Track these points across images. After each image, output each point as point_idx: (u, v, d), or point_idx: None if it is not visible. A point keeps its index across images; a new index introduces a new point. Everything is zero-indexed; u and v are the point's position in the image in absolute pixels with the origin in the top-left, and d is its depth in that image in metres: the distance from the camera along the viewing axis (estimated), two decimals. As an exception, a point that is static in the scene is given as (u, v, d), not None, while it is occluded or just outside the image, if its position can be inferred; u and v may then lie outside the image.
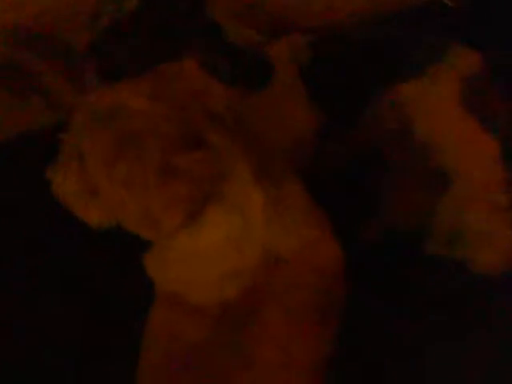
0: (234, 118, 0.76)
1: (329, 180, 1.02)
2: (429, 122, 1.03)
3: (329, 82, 1.01)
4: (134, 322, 0.89)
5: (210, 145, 0.73)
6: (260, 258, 0.81)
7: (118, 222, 0.76)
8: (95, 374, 1.00)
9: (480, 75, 1.03)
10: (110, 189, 0.73)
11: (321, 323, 0.81)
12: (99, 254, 1.06)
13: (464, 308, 1.02)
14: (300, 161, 0.93)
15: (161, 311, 0.87)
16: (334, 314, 0.82)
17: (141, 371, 0.86)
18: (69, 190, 0.76)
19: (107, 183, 0.73)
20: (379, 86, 1.04)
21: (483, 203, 1.03)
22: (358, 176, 1.07)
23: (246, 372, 0.79)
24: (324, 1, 1.04)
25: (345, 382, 0.91)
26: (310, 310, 0.81)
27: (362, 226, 1.07)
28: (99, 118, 0.73)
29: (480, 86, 1.03)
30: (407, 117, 1.05)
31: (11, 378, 1.00)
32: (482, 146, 1.03)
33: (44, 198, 0.79)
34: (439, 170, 1.04)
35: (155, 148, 0.70)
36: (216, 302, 0.83)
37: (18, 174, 1.11)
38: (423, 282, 1.05)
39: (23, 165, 1.10)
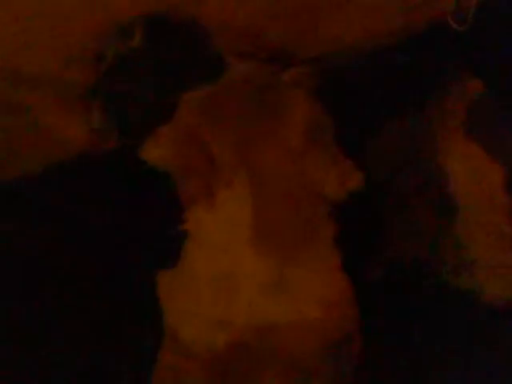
0: None
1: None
2: (435, 152, 1.03)
3: (334, 111, 1.01)
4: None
5: None
6: (249, 319, 0.80)
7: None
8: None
9: (485, 102, 1.03)
10: None
11: None
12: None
13: (471, 339, 1.02)
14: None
15: (165, 351, 0.87)
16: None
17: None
18: None
19: None
20: (386, 115, 1.04)
21: (490, 233, 1.03)
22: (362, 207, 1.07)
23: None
24: (328, 30, 1.04)
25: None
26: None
27: (368, 265, 1.07)
28: None
29: (485, 113, 1.03)
30: (414, 146, 1.05)
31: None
32: (489, 174, 1.03)
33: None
34: (446, 199, 1.04)
35: None
36: (206, 349, 0.82)
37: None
38: (430, 312, 1.04)
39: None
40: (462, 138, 1.03)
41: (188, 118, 0.88)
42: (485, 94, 1.04)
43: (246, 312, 0.81)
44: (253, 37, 1.03)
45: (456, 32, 0.97)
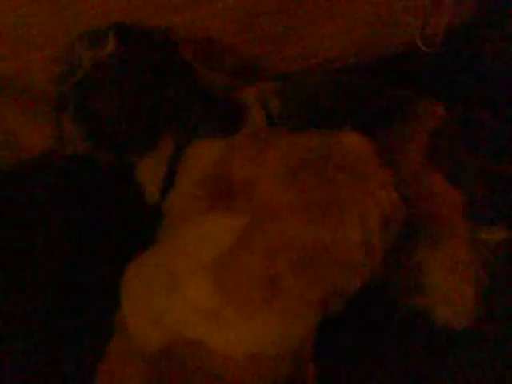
0: None
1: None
2: (396, 175, 1.03)
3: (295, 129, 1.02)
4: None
5: None
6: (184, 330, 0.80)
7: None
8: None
9: (446, 128, 1.03)
10: None
11: None
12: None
13: (424, 359, 1.02)
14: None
15: (114, 347, 0.87)
16: None
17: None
18: None
19: None
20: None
21: (446, 260, 1.03)
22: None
23: None
24: (298, 48, 1.05)
25: None
26: None
27: None
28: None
29: (446, 139, 1.03)
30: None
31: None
32: (449, 200, 1.02)
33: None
34: (408, 223, 1.03)
35: None
36: (143, 345, 0.81)
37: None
38: (386, 329, 1.04)
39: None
40: (423, 163, 1.02)
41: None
42: (447, 120, 1.04)
43: (181, 321, 0.80)
44: (221, 49, 1.04)
45: (423, 55, 0.98)
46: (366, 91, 1.05)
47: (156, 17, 1.03)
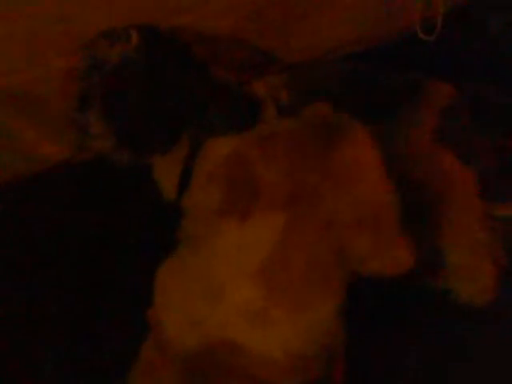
0: None
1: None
2: (408, 159, 1.04)
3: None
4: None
5: None
6: (224, 332, 0.81)
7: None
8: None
9: (455, 108, 1.04)
10: None
11: None
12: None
13: (446, 337, 1.03)
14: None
15: (147, 347, 0.88)
16: None
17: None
18: None
19: None
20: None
21: (463, 239, 1.04)
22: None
23: None
24: (302, 39, 1.06)
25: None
26: None
27: None
28: None
29: (455, 120, 1.04)
30: (388, 152, 1.06)
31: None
32: (461, 180, 1.03)
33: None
34: (420, 205, 1.04)
35: None
36: (180, 347, 0.83)
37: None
38: (410, 311, 1.05)
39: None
40: (434, 144, 1.04)
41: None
42: (456, 99, 1.05)
43: (222, 325, 0.82)
44: (228, 47, 1.05)
45: (423, 41, 0.99)
46: (372, 78, 1.06)
47: (161, 18, 1.03)
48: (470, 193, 1.03)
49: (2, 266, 1.09)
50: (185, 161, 1.01)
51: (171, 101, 0.98)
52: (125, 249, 1.11)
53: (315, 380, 0.83)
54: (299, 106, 1.02)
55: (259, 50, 1.07)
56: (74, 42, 0.99)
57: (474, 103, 1.06)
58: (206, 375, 0.82)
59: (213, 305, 0.82)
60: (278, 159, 0.83)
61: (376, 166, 0.86)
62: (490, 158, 1.06)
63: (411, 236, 1.02)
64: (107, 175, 1.09)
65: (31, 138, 1.05)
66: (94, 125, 0.97)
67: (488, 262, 1.03)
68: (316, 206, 0.80)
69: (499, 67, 1.12)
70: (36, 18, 0.99)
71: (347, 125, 0.86)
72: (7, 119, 1.03)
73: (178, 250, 0.89)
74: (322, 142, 0.83)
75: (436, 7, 1.05)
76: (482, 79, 1.09)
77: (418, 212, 1.04)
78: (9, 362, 1.01)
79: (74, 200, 1.14)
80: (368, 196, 0.84)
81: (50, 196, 1.13)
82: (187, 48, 1.02)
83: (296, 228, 0.80)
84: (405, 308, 1.05)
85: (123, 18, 1.02)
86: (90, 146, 0.99)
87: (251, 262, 0.80)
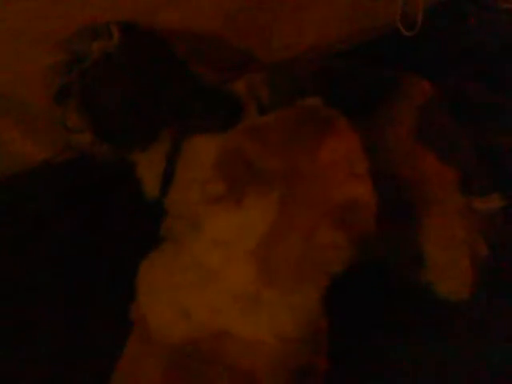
0: None
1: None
2: (388, 157, 1.05)
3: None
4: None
5: None
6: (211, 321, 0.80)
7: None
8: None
9: (433, 104, 1.04)
10: None
11: None
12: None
13: (427, 330, 1.04)
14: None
15: (131, 342, 0.88)
16: None
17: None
18: None
19: None
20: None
21: (443, 236, 1.05)
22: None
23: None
24: (283, 38, 1.07)
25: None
26: None
27: None
28: None
29: (434, 115, 1.04)
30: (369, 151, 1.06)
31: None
32: (441, 178, 1.04)
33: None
34: (400, 203, 1.05)
35: None
36: (166, 337, 0.81)
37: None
38: (390, 304, 1.06)
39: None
40: (413, 142, 1.04)
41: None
42: (435, 95, 1.05)
43: (213, 312, 0.82)
44: (209, 46, 1.06)
45: (405, 37, 0.99)
46: (350, 74, 1.06)
47: (140, 15, 1.04)
48: (448, 190, 1.04)
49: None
50: (167, 158, 1.02)
51: (150, 98, 0.99)
52: (109, 247, 1.12)
53: (304, 366, 0.84)
54: (279, 105, 1.03)
55: (240, 49, 1.07)
56: (58, 40, 0.99)
57: (454, 99, 1.06)
58: (191, 367, 0.82)
59: (203, 293, 0.81)
60: (269, 145, 0.83)
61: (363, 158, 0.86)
62: (470, 153, 1.06)
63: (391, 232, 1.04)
64: (90, 175, 1.10)
65: (13, 138, 1.06)
66: (71, 118, 0.99)
67: (466, 260, 1.04)
68: (309, 187, 0.80)
69: (481, 62, 1.12)
70: (19, 17, 1.00)
71: (337, 117, 0.86)
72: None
73: (162, 246, 0.90)
74: (313, 130, 0.83)
75: (417, 2, 1.05)
76: (465, 74, 1.09)
77: (398, 209, 1.05)
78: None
79: (57, 199, 1.15)
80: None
81: (33, 195, 1.14)
82: (168, 46, 1.02)
83: (291, 208, 0.81)
84: (388, 302, 1.06)
85: (105, 14, 1.03)
86: (69, 140, 1.01)
87: (246, 245, 0.80)
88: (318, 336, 0.85)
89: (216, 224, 0.82)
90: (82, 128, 0.99)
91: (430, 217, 1.05)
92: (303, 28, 1.06)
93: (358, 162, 0.83)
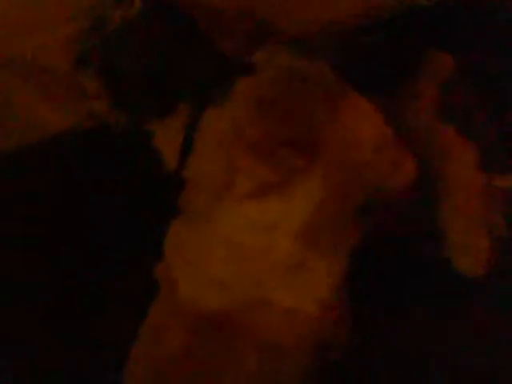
0: None
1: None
2: (409, 133, 1.04)
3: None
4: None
5: None
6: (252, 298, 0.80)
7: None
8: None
9: (455, 79, 1.04)
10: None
11: None
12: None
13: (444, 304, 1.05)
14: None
15: (157, 308, 0.87)
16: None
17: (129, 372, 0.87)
18: None
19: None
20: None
21: (463, 215, 1.04)
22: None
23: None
24: (304, 10, 1.06)
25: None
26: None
27: None
28: None
29: (456, 91, 1.04)
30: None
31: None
32: (462, 156, 1.04)
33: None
34: (422, 178, 1.05)
35: None
36: (197, 306, 0.82)
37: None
38: (409, 279, 1.06)
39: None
40: (433, 118, 1.03)
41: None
42: (456, 72, 1.04)
43: (253, 285, 0.81)
44: (232, 16, 1.05)
45: (424, 8, 0.98)
46: (373, 50, 1.06)
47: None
48: (469, 166, 1.04)
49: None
50: (186, 128, 1.02)
51: (170, 67, 0.99)
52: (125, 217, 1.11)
53: (330, 338, 0.84)
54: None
55: (263, 22, 1.07)
56: (80, 6, 0.99)
57: (477, 74, 1.05)
58: (217, 339, 0.81)
59: (240, 267, 0.81)
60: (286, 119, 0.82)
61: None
62: (491, 130, 1.06)
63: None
64: (109, 144, 1.09)
65: (35, 104, 1.05)
66: (90, 85, 0.99)
67: (484, 237, 1.04)
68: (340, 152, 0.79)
69: (504, 36, 1.11)
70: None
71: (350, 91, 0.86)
72: (11, 86, 1.04)
73: (184, 217, 0.88)
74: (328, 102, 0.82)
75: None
76: (487, 49, 1.08)
77: (417, 184, 1.04)
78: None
79: (80, 167, 1.15)
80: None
81: (51, 165, 1.14)
82: (190, 16, 1.02)
83: (331, 180, 0.80)
84: (404, 277, 1.06)
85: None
86: (87, 107, 1.01)
87: (289, 226, 0.80)
88: (342, 306, 0.85)
89: (252, 208, 0.82)
90: (101, 95, 1.00)
91: (450, 193, 1.04)
92: (325, 1, 1.06)
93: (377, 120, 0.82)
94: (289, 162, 0.80)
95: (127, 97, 0.99)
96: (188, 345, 0.82)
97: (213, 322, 0.81)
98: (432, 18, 1.04)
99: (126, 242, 1.07)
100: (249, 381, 0.80)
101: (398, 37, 1.05)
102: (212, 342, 0.81)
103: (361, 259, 0.97)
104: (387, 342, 1.01)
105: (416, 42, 1.06)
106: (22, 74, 1.04)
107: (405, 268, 1.05)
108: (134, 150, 1.09)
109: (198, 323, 0.81)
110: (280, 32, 1.09)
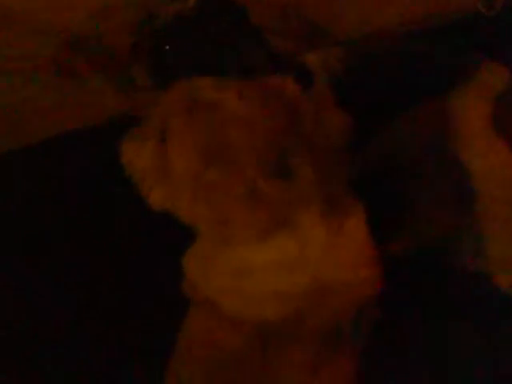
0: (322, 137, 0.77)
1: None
2: (458, 143, 1.03)
3: (358, 95, 1.02)
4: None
5: (295, 171, 0.74)
6: (308, 288, 0.80)
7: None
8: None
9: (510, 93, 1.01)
10: (188, 183, 0.74)
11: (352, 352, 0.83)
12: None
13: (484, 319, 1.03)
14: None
15: (198, 318, 0.88)
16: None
17: (171, 373, 0.89)
18: (141, 165, 0.77)
19: (189, 178, 0.74)
20: (409, 101, 1.04)
21: (506, 229, 1.02)
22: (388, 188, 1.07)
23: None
24: (356, 13, 1.05)
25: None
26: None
27: (392, 239, 1.06)
28: (195, 110, 0.75)
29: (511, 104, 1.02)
30: (438, 135, 1.04)
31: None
32: (509, 169, 1.01)
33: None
34: (467, 190, 1.03)
35: (248, 165, 0.72)
36: (254, 319, 0.82)
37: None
38: (449, 292, 1.06)
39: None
40: (486, 131, 1.01)
41: None
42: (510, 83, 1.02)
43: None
44: (285, 15, 1.05)
45: (484, 18, 0.96)
46: (428, 58, 1.05)
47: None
48: None
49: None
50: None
51: (220, 63, 0.99)
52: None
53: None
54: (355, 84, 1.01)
55: (314, 23, 1.06)
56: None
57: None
58: (272, 344, 0.82)
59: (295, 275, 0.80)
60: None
61: None
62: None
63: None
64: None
65: (97, 87, 1.06)
66: (140, 77, 1.00)
67: None
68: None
69: None
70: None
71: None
72: (79, 67, 1.05)
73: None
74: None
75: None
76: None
77: (462, 197, 1.03)
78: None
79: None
80: None
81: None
82: (244, 13, 1.02)
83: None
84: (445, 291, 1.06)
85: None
86: (136, 97, 1.02)
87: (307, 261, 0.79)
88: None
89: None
90: (149, 88, 1.00)
91: (494, 208, 1.02)
92: (382, 3, 1.04)
93: None
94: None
95: None
96: (242, 350, 0.83)
97: (271, 328, 0.81)
98: (490, 29, 1.02)
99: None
100: None
101: (450, 46, 1.03)
102: (267, 350, 0.82)
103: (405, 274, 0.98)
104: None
105: (470, 52, 1.04)
106: (89, 55, 1.05)
107: (447, 283, 1.05)
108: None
109: (258, 329, 0.81)
110: (329, 34, 1.08)
